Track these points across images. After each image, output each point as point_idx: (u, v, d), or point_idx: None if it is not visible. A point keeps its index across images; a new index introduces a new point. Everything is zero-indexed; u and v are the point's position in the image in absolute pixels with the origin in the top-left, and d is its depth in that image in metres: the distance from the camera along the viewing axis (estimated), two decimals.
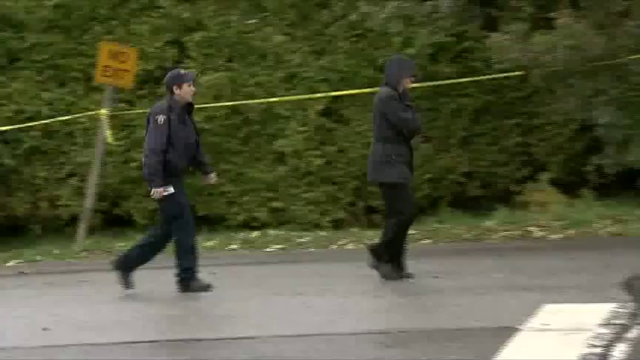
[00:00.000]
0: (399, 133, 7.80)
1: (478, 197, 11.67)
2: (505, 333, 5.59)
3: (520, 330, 5.70)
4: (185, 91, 7.85)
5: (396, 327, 6.23)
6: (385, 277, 7.80)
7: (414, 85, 11.28)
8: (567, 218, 10.20)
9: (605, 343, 5.28)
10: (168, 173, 7.74)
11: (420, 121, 8.22)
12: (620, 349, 5.14)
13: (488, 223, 10.51)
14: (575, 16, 10.06)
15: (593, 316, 5.98)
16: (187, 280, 7.88)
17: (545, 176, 11.34)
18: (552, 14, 10.23)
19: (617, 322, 5.79)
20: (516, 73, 10.79)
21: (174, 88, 7.83)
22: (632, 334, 5.50)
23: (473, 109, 11.59)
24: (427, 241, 10.17)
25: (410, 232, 10.41)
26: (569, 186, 11.17)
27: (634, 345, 5.24)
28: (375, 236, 10.59)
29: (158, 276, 8.28)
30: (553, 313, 6.18)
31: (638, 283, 6.98)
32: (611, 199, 10.56)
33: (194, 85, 8.03)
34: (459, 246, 9.85)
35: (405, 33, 11.49)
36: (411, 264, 8.17)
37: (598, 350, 5.12)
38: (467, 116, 11.63)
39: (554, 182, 11.29)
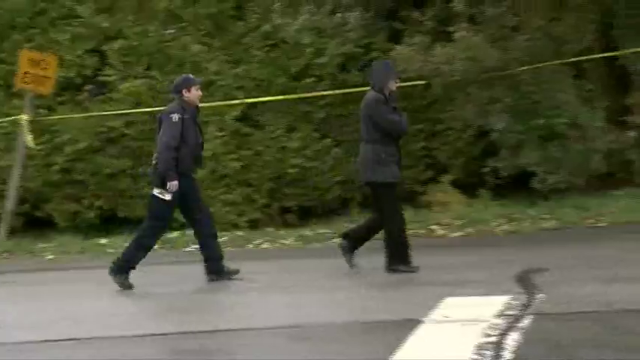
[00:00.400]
0: (387, 135, 7.78)
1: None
2: (409, 325, 5.68)
3: (423, 322, 5.80)
4: (194, 94, 7.96)
5: (307, 321, 6.25)
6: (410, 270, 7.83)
7: (325, 92, 11.56)
8: (466, 217, 10.35)
9: (499, 332, 5.42)
10: (179, 171, 7.77)
11: (406, 123, 8.20)
12: (512, 338, 5.29)
13: None
14: (472, 31, 10.30)
15: (489, 308, 6.11)
16: (125, 270, 7.89)
17: (446, 178, 11.51)
18: (451, 28, 10.47)
19: (511, 313, 5.95)
20: (419, 82, 10.95)
21: (184, 91, 7.90)
22: (523, 323, 5.65)
23: None
24: (338, 239, 10.20)
25: (320, 231, 10.64)
26: (468, 187, 11.33)
27: (525, 333, 5.40)
28: (287, 235, 10.74)
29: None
30: (453, 306, 6.30)
31: (530, 276, 7.15)
32: (506, 199, 10.75)
33: (200, 89, 8.17)
34: (368, 244, 9.90)
35: (316, 44, 11.63)
36: (323, 262, 8.28)
37: (493, 339, 5.26)
38: None
39: (454, 183, 11.46)
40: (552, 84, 10.30)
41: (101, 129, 12.01)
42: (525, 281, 7.03)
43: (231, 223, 11.67)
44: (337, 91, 11.46)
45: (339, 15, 11.53)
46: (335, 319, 6.28)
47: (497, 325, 5.62)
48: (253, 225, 11.74)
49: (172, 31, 12.19)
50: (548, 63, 10.24)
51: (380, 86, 7.84)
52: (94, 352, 5.69)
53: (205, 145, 11.58)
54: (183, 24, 12.22)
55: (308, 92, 11.60)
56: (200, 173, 11.79)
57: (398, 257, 7.84)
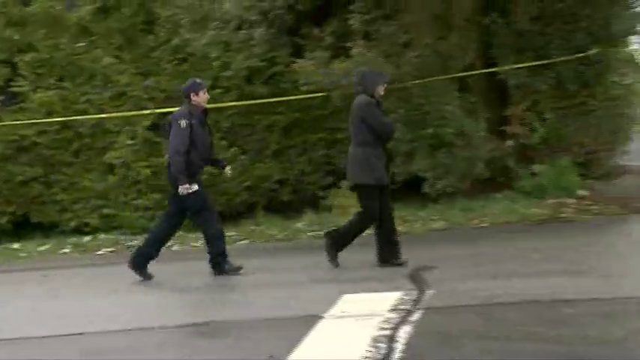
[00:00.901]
0: (377, 137, 7.69)
1: (290, 202, 11.82)
2: (311, 320, 5.80)
3: (323, 317, 5.92)
4: (202, 98, 7.93)
5: (216, 319, 6.29)
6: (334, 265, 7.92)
7: (232, 103, 11.60)
8: None
9: (392, 326, 5.56)
10: (190, 172, 7.76)
11: (393, 125, 8.24)
12: (404, 330, 5.45)
13: (298, 224, 10.66)
14: (368, 47, 10.49)
15: (383, 303, 6.23)
16: (221, 264, 7.98)
17: (345, 183, 11.50)
18: (349, 44, 10.66)
19: (403, 307, 6.08)
20: (320, 94, 11.06)
21: (192, 95, 7.88)
22: (414, 317, 5.80)
23: (284, 125, 11.81)
24: (245, 241, 10.25)
25: (229, 233, 10.61)
26: None
27: (416, 326, 5.56)
28: (197, 238, 10.70)
29: None
30: (351, 302, 6.42)
31: (421, 274, 7.28)
32: (400, 202, 10.57)
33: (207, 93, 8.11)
34: (272, 245, 9.97)
35: (223, 57, 11.66)
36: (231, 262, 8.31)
37: (387, 332, 5.40)
38: (278, 131, 11.83)
39: (353, 188, 11.62)
40: (440, 97, 10.52)
41: (13, 137, 11.80)
42: (416, 278, 7.15)
43: (143, 227, 11.59)
44: (243, 103, 11.52)
45: (244, 31, 11.59)
46: (240, 317, 6.32)
47: (390, 319, 5.76)
48: None
49: (83, 44, 12.05)
50: (436, 77, 10.49)
51: (371, 90, 7.75)
52: None
53: (116, 153, 11.74)
54: (95, 37, 12.09)
55: (216, 103, 11.65)
56: (111, 179, 11.81)
57: (340, 248, 7.96)
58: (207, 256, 8.08)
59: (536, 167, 10.49)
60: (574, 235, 8.79)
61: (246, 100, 11.59)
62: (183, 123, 7.73)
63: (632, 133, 12.07)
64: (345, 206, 11.18)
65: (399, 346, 5.16)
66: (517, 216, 9.72)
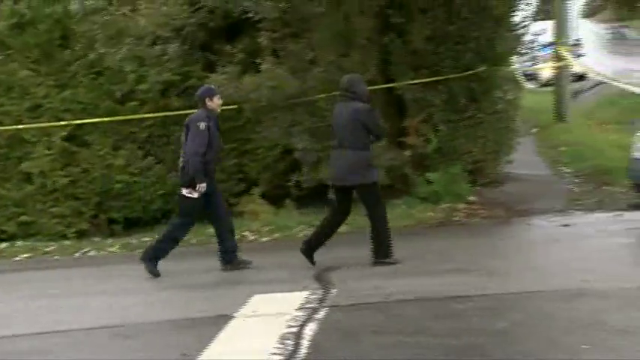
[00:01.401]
0: (370, 141, 7.64)
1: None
2: (223, 320, 5.89)
3: (234, 317, 6.03)
4: (216, 103, 7.95)
5: (133, 320, 6.29)
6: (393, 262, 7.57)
7: (147, 115, 11.55)
8: (274, 224, 10.48)
9: (299, 323, 5.70)
10: (205, 172, 7.74)
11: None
12: (310, 328, 5.60)
13: (211, 230, 10.10)
14: (276, 63, 10.63)
15: (291, 302, 6.35)
16: (153, 259, 7.96)
17: (256, 191, 11.65)
18: (258, 61, 10.77)
19: (309, 306, 6.22)
20: (232, 106, 10.98)
21: (207, 100, 7.87)
22: (319, 315, 5.95)
23: None
24: None
25: (144, 239, 10.58)
26: (275, 198, 11.45)
27: (321, 324, 5.72)
28: (113, 244, 10.61)
29: None
30: (261, 302, 6.51)
31: (326, 274, 7.42)
32: (307, 208, 10.92)
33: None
34: (186, 250, 9.90)
35: (138, 71, 11.61)
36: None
37: (294, 330, 5.55)
38: None
39: (263, 195, 11.59)
40: None
41: None
42: (322, 278, 7.28)
43: (60, 234, 11.44)
44: (159, 114, 11.48)
45: (158, 47, 11.57)
46: (155, 318, 6.34)
47: (297, 317, 5.88)
48: (81, 235, 11.53)
49: (0, 57, 11.81)
50: (338, 92, 10.64)
51: (365, 97, 7.74)
52: None
53: (33, 163, 11.54)
54: (11, 52, 11.86)
55: (132, 115, 11.57)
56: (29, 188, 11.60)
57: (384, 252, 7.65)
58: (147, 248, 8.19)
59: (431, 175, 10.73)
60: (464, 236, 9.08)
61: (161, 112, 11.52)
62: (202, 125, 7.73)
63: (515, 143, 12.49)
64: (257, 212, 11.28)
65: (305, 343, 5.29)
66: (414, 220, 9.95)
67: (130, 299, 7.27)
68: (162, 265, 8.14)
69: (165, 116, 11.54)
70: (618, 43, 50.64)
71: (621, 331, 5.13)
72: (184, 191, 7.82)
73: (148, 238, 10.46)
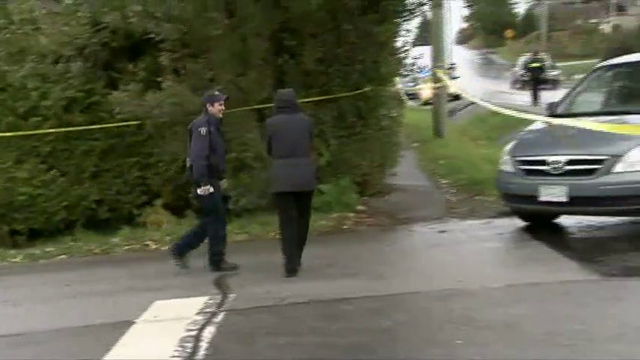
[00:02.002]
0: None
1: (108, 219, 11.44)
2: (124, 326, 5.78)
3: (135, 322, 5.92)
4: (216, 108, 7.79)
5: (31, 329, 6.11)
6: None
7: (50, 130, 11.17)
8: (175, 234, 10.09)
9: (198, 327, 5.66)
10: (212, 175, 7.62)
11: None
12: (209, 331, 5.57)
13: (115, 239, 10.35)
14: (177, 81, 10.52)
15: (191, 307, 6.29)
16: (218, 262, 7.81)
17: (159, 202, 11.43)
18: (160, 79, 10.63)
19: (208, 310, 6.18)
20: (134, 122, 10.84)
21: (208, 105, 7.78)
22: (217, 319, 5.92)
23: (101, 150, 11.42)
24: (63, 256, 9.84)
25: (48, 249, 10.24)
26: (177, 209, 11.25)
27: (219, 327, 5.70)
28: (16, 254, 10.16)
29: None
30: (162, 308, 6.41)
31: (225, 280, 7.37)
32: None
33: (223, 104, 7.90)
34: (90, 259, 9.70)
35: (41, 88, 11.21)
36: (49, 276, 7.99)
37: (193, 333, 5.50)
38: (96, 155, 11.43)
39: (166, 206, 11.39)
40: (241, 125, 10.63)
41: None
42: (221, 284, 7.22)
43: None
44: (62, 130, 11.13)
45: (61, 64, 11.23)
46: (57, 326, 6.16)
47: (197, 321, 5.84)
48: None
49: None
50: (237, 109, 10.59)
51: (300, 110, 7.76)
52: None
53: None
54: None
55: (35, 130, 11.17)
56: None
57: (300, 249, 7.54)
58: (210, 256, 7.95)
59: (323, 187, 10.79)
60: (353, 243, 9.17)
61: (64, 127, 11.15)
62: (202, 130, 7.64)
63: (398, 157, 12.74)
64: (159, 222, 11.08)
65: (203, 345, 5.24)
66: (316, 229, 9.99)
67: (32, 308, 7.05)
68: (65, 274, 7.90)
69: (69, 131, 11.15)
70: (487, 67, 52.60)
71: (488, 326, 5.30)
72: (198, 190, 7.70)
73: (52, 249, 10.14)
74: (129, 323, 5.87)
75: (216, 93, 8.12)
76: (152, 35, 10.45)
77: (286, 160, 7.44)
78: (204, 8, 10.06)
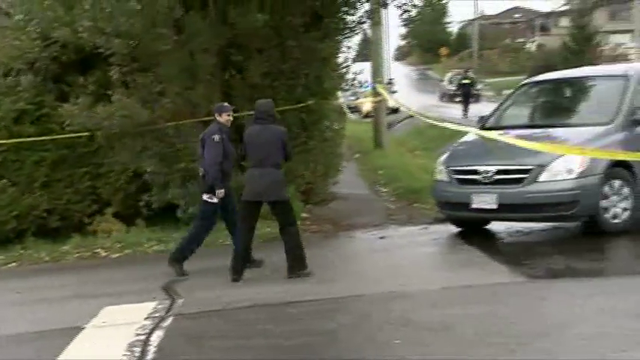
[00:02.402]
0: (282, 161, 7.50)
1: (58, 228, 11.17)
2: (73, 331, 5.65)
3: (85, 328, 5.79)
4: (225, 119, 7.84)
5: None
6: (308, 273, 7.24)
7: (2, 141, 10.88)
8: (126, 241, 10.12)
9: (147, 331, 5.57)
10: (223, 180, 7.65)
11: None
12: (157, 335, 5.50)
13: (65, 247, 10.13)
14: (127, 94, 10.38)
15: (140, 312, 6.18)
16: (179, 260, 7.81)
17: (109, 210, 11.23)
18: (110, 91, 10.48)
19: (157, 315, 6.09)
20: (85, 133, 10.65)
21: (217, 115, 7.85)
22: (166, 323, 5.84)
23: (52, 160, 11.14)
24: (13, 264, 9.60)
25: None
26: (127, 217, 11.09)
27: (167, 331, 5.62)
28: None
29: None
30: (111, 313, 6.30)
31: (173, 285, 7.26)
32: (157, 226, 10.67)
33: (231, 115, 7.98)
34: (40, 267, 9.47)
35: None
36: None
37: (142, 337, 5.42)
38: (47, 166, 11.14)
39: (116, 215, 11.19)
40: (190, 137, 10.50)
41: None
42: (170, 289, 7.13)
43: None
44: (12, 140, 10.85)
45: (11, 77, 10.97)
46: (6, 332, 6.02)
47: (145, 325, 5.75)
48: None
49: None
50: (186, 121, 10.51)
51: (277, 121, 7.71)
52: None
53: None
54: None
55: None
56: None
57: (299, 265, 7.27)
58: (173, 251, 7.99)
59: None
60: None
61: (16, 138, 10.86)
62: (216, 138, 7.64)
63: (341, 167, 12.78)
64: (109, 230, 10.90)
65: (151, 349, 5.17)
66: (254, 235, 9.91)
67: None
68: (15, 282, 7.69)
69: (19, 142, 10.88)
70: (423, 82, 53.34)
71: (425, 327, 5.35)
72: (205, 197, 7.74)
73: (2, 257, 9.89)
74: (78, 329, 5.74)
75: (225, 104, 8.23)
76: (102, 50, 10.30)
77: (253, 170, 7.39)
78: (153, 24, 9.95)
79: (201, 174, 7.92)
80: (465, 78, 30.24)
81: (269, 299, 6.47)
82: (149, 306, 6.43)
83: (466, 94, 28.42)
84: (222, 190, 7.67)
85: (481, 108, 22.72)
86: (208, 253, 9.13)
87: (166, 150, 10.58)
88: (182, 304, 6.57)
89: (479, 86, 35.98)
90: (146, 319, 5.98)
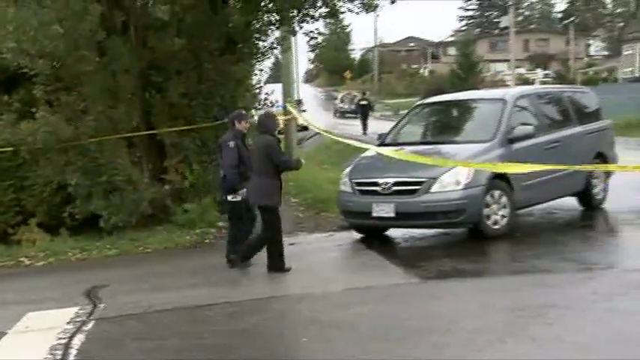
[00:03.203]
0: (277, 169, 7.28)
1: None
2: None
3: (7, 333, 5.55)
4: (243, 125, 7.80)
5: None
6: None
7: None
8: (49, 250, 9.73)
9: (69, 335, 5.38)
10: (241, 181, 7.56)
11: (293, 161, 8.01)
12: (78, 338, 5.31)
13: None
14: (51, 112, 10.07)
15: (63, 317, 5.97)
16: (243, 260, 7.64)
17: (33, 221, 10.83)
18: (34, 109, 10.12)
19: (78, 319, 5.88)
20: (9, 148, 10.29)
21: (236, 122, 7.77)
22: (87, 327, 5.65)
23: None
24: None
25: None
26: (51, 227, 10.72)
27: (88, 334, 5.45)
28: None
29: None
30: (34, 318, 6.05)
31: (95, 291, 7.03)
32: (81, 235, 10.35)
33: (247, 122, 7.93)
34: None
35: None
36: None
37: (63, 341, 5.22)
38: None
39: (40, 225, 10.80)
40: (112, 152, 10.33)
41: None
42: (92, 295, 6.90)
43: None
44: None
45: None
46: None
47: (67, 330, 5.55)
48: None
49: None
50: (108, 137, 10.28)
51: (274, 130, 7.54)
52: None
53: None
54: None
55: None
56: None
57: (279, 262, 7.32)
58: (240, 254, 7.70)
59: (188, 206, 10.59)
60: (214, 255, 8.97)
61: None
62: (231, 144, 7.62)
63: None
64: (33, 240, 10.49)
65: (73, 352, 4.99)
66: (173, 242, 9.72)
67: None
68: None
69: None
70: (329, 102, 53.92)
71: (331, 325, 5.37)
72: (229, 197, 7.71)
73: None
74: (1, 334, 5.46)
75: (243, 112, 8.22)
76: (26, 70, 9.92)
77: (252, 176, 7.47)
78: (76, 47, 9.67)
79: (221, 176, 7.95)
80: (363, 99, 31.11)
81: (187, 302, 6.35)
82: (71, 311, 6.21)
83: (364, 114, 29.05)
84: (244, 190, 7.60)
85: (381, 125, 23.15)
86: (128, 260, 8.92)
87: (89, 164, 10.32)
88: (103, 308, 6.36)
89: (376, 106, 37.34)
90: (68, 323, 5.77)
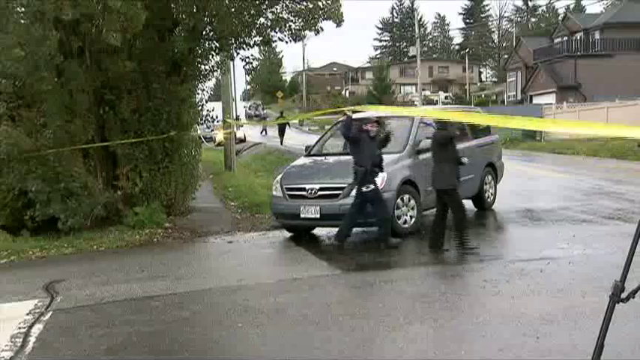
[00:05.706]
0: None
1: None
2: None
3: None
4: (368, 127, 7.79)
5: None
6: None
7: None
8: (11, 249, 9.28)
9: (28, 325, 5.22)
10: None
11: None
12: (37, 327, 5.16)
13: None
14: (13, 126, 9.65)
15: (23, 309, 5.78)
16: (386, 240, 7.76)
17: None
18: None
19: (37, 311, 5.71)
20: None
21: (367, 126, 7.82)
22: (45, 317, 5.48)
23: None
24: None
25: None
26: (14, 229, 10.19)
27: (46, 324, 5.28)
28: None
29: None
30: None
31: (53, 285, 6.80)
32: (41, 236, 9.90)
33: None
34: None
35: None
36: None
37: (23, 330, 5.07)
38: None
39: (3, 227, 10.25)
40: (69, 161, 9.97)
41: None
42: (50, 288, 6.67)
43: None
44: None
45: None
46: None
47: (26, 320, 5.38)
48: None
49: None
50: (66, 149, 9.92)
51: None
52: None
53: None
54: None
55: None
56: None
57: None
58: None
59: (138, 209, 10.37)
60: (161, 252, 8.87)
61: None
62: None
63: (198, 185, 12.57)
64: None
65: (31, 339, 4.82)
66: (125, 242, 9.49)
67: None
68: None
69: None
70: (261, 119, 53.94)
71: (262, 312, 5.38)
72: (364, 189, 7.69)
73: None
74: None
75: (368, 117, 8.32)
76: None
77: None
78: (37, 68, 9.30)
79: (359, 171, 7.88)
80: (280, 117, 34.32)
81: (135, 294, 6.22)
82: (30, 303, 5.99)
83: (281, 129, 31.88)
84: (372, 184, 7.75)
85: (306, 138, 23.30)
86: (84, 258, 8.65)
87: (49, 172, 9.91)
88: (60, 300, 6.16)
89: (293, 121, 40.68)
90: (27, 314, 5.58)
